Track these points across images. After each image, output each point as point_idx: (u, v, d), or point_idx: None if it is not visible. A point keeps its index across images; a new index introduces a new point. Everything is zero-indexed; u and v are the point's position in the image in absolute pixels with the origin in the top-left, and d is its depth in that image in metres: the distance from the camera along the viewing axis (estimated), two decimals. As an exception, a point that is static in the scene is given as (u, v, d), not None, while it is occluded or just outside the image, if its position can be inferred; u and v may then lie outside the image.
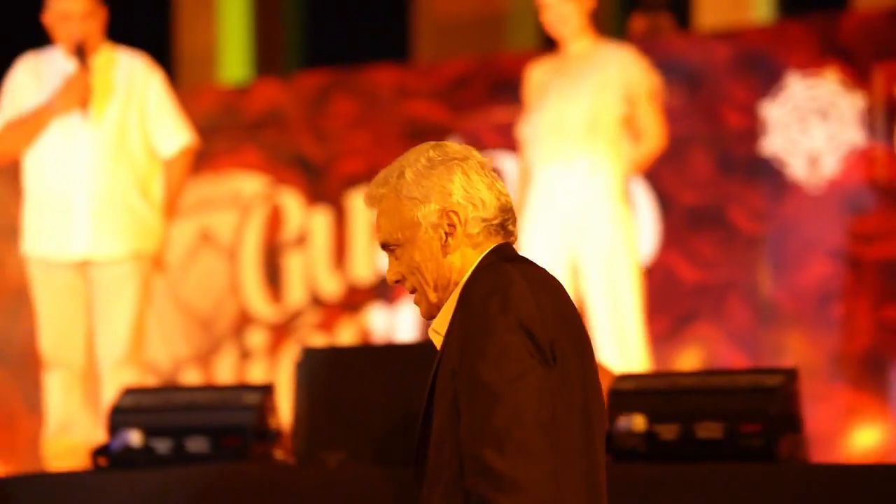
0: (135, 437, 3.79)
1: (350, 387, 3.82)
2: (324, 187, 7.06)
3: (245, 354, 7.11)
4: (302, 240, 7.09)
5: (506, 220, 2.52)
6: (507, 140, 6.81)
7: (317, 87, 7.13)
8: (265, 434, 3.79)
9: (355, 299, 6.97)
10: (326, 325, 6.99)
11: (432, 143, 2.53)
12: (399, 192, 2.48)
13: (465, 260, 2.49)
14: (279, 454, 3.86)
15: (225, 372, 7.12)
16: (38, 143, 5.08)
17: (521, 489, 2.30)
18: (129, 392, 3.99)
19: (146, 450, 3.80)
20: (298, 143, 7.12)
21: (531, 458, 2.32)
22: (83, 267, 5.10)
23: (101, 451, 3.87)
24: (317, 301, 7.02)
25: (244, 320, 7.12)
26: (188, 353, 7.15)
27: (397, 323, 6.91)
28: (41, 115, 5.02)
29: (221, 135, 7.11)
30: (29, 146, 5.08)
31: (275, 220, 7.13)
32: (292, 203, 7.11)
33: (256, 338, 7.09)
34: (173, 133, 5.17)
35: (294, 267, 7.10)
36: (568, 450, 2.39)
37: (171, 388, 3.91)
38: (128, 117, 5.12)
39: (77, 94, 4.99)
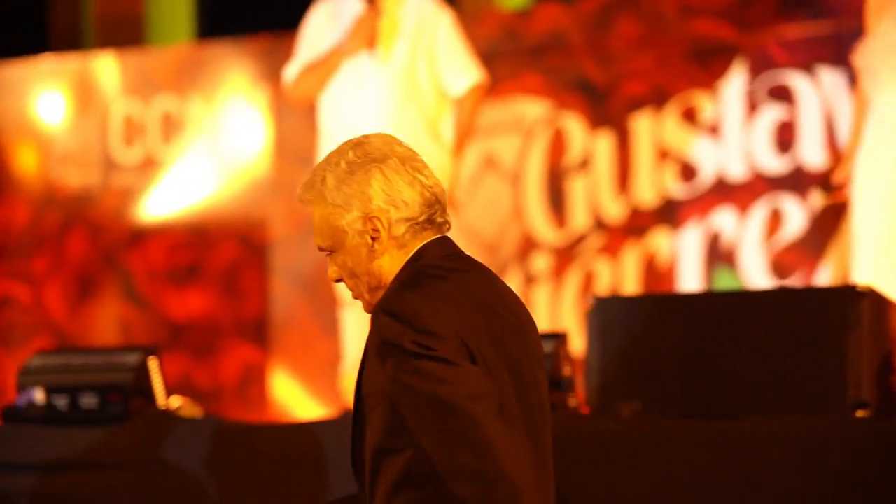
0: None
1: (643, 336, 3.78)
2: (607, 110, 6.99)
3: (529, 279, 7.13)
4: (585, 164, 7.04)
5: (433, 214, 2.50)
6: (797, 57, 6.58)
7: (599, 8, 7.03)
8: (559, 383, 3.79)
9: (639, 223, 6.90)
10: (610, 249, 6.95)
11: (354, 141, 2.51)
12: (324, 199, 2.48)
13: (392, 262, 2.49)
14: (572, 402, 3.86)
15: (509, 296, 7.18)
16: (331, 85, 5.17)
17: (499, 481, 2.33)
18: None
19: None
20: (581, 66, 7.05)
21: (497, 453, 2.34)
22: (374, 206, 5.18)
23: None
24: (600, 225, 6.98)
25: (528, 245, 7.14)
26: (473, 277, 7.23)
27: (682, 246, 6.81)
28: (332, 57, 5.10)
29: (503, 60, 7.09)
30: (323, 88, 5.17)
31: (557, 145, 7.09)
32: (575, 127, 7.06)
33: (540, 262, 7.11)
34: (463, 72, 5.17)
35: (577, 191, 7.07)
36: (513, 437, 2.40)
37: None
38: (417, 58, 5.15)
39: (364, 35, 5.04)
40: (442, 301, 2.40)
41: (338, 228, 2.48)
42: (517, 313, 2.51)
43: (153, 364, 4.18)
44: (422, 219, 2.49)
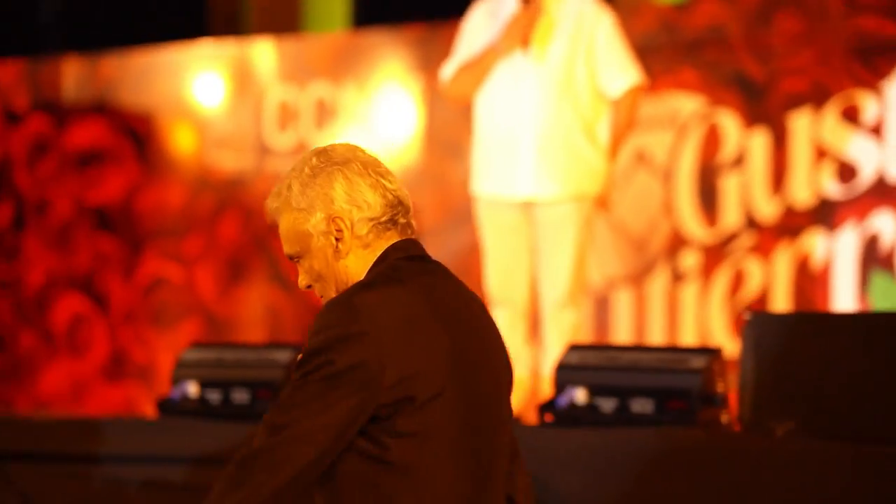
0: (580, 395, 3.81)
1: (800, 354, 3.70)
2: (764, 107, 6.86)
3: (678, 276, 7.05)
4: (739, 161, 6.92)
5: (395, 215, 2.54)
6: (964, 57, 6.39)
7: (759, 3, 6.90)
8: (711, 398, 3.73)
9: (793, 223, 6.77)
10: (762, 250, 6.83)
11: (318, 149, 2.58)
12: (290, 205, 2.54)
13: (358, 261, 2.53)
14: (725, 418, 3.79)
15: (657, 293, 7.10)
16: (487, 84, 5.14)
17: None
18: (575, 348, 4.01)
19: (591, 408, 3.81)
20: (739, 62, 6.92)
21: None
22: (527, 207, 5.16)
23: (547, 407, 3.91)
24: (752, 224, 6.86)
25: (677, 242, 7.05)
26: (621, 272, 7.16)
27: (838, 248, 6.67)
28: (487, 56, 5.07)
29: (659, 54, 6.99)
30: (478, 87, 5.15)
31: (711, 141, 6.98)
32: (730, 123, 6.94)
33: (689, 260, 7.02)
34: (622, 73, 5.10)
35: (730, 189, 6.95)
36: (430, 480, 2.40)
37: (615, 347, 3.91)
38: (575, 57, 5.09)
39: (518, 35, 5.00)
40: (390, 308, 2.43)
41: (304, 232, 2.54)
42: (480, 320, 2.54)
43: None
44: (384, 219, 2.54)
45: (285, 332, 7.75)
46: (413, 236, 2.57)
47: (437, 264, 2.56)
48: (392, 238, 2.54)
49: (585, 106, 5.11)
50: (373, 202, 2.53)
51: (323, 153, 2.57)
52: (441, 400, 2.41)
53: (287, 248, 2.57)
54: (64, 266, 8.25)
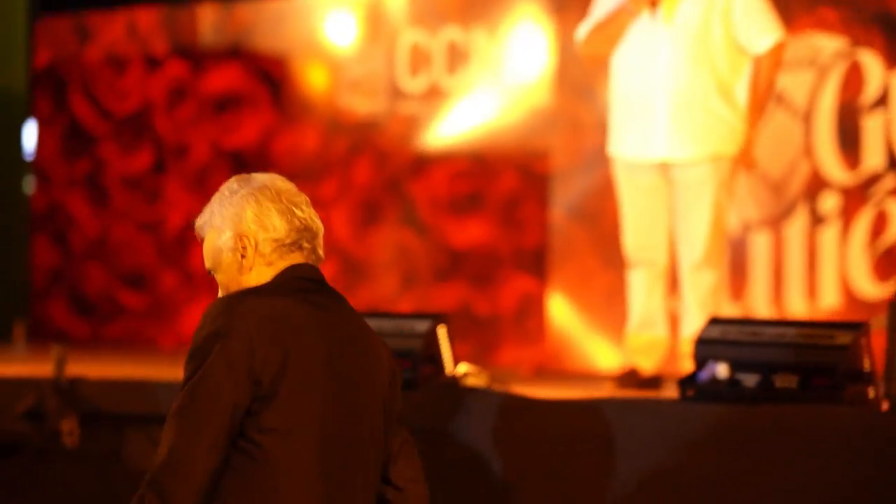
0: (722, 370, 3.77)
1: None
2: (907, 47, 6.66)
3: (817, 220, 6.92)
4: (882, 102, 6.74)
5: (300, 240, 2.76)
6: None
7: (904, -62, 6.68)
8: (859, 375, 3.66)
9: (937, 164, 6.60)
10: (905, 192, 6.68)
11: (242, 176, 2.82)
12: (211, 224, 2.81)
13: (260, 277, 2.75)
14: (872, 394, 3.72)
15: (795, 237, 6.99)
16: (621, 45, 5.07)
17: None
18: (716, 322, 3.96)
19: (732, 383, 3.77)
20: (883, 1, 6.72)
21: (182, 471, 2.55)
22: (664, 168, 5.09)
23: (688, 381, 3.88)
24: (895, 166, 6.70)
25: (817, 184, 6.91)
26: (758, 216, 7.05)
27: (984, 190, 6.50)
28: (618, 16, 5.00)
29: (799, -7, 6.82)
30: (612, 47, 5.08)
31: (853, 82, 6.81)
32: (873, 63, 6.76)
33: (829, 202, 6.89)
34: (764, 31, 4.99)
35: (872, 130, 6.78)
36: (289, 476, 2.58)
37: (757, 322, 3.84)
38: (710, 17, 4.98)
39: None
40: (265, 311, 2.63)
41: (217, 248, 2.79)
42: (365, 340, 2.75)
43: (442, 332, 4.22)
44: (288, 241, 2.76)
45: (418, 274, 7.79)
46: (317, 264, 2.78)
47: (333, 290, 2.77)
48: (295, 259, 2.76)
49: (722, 66, 5.01)
50: (279, 226, 2.75)
51: (243, 179, 2.81)
52: (306, 400, 2.61)
53: (206, 263, 2.83)
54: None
